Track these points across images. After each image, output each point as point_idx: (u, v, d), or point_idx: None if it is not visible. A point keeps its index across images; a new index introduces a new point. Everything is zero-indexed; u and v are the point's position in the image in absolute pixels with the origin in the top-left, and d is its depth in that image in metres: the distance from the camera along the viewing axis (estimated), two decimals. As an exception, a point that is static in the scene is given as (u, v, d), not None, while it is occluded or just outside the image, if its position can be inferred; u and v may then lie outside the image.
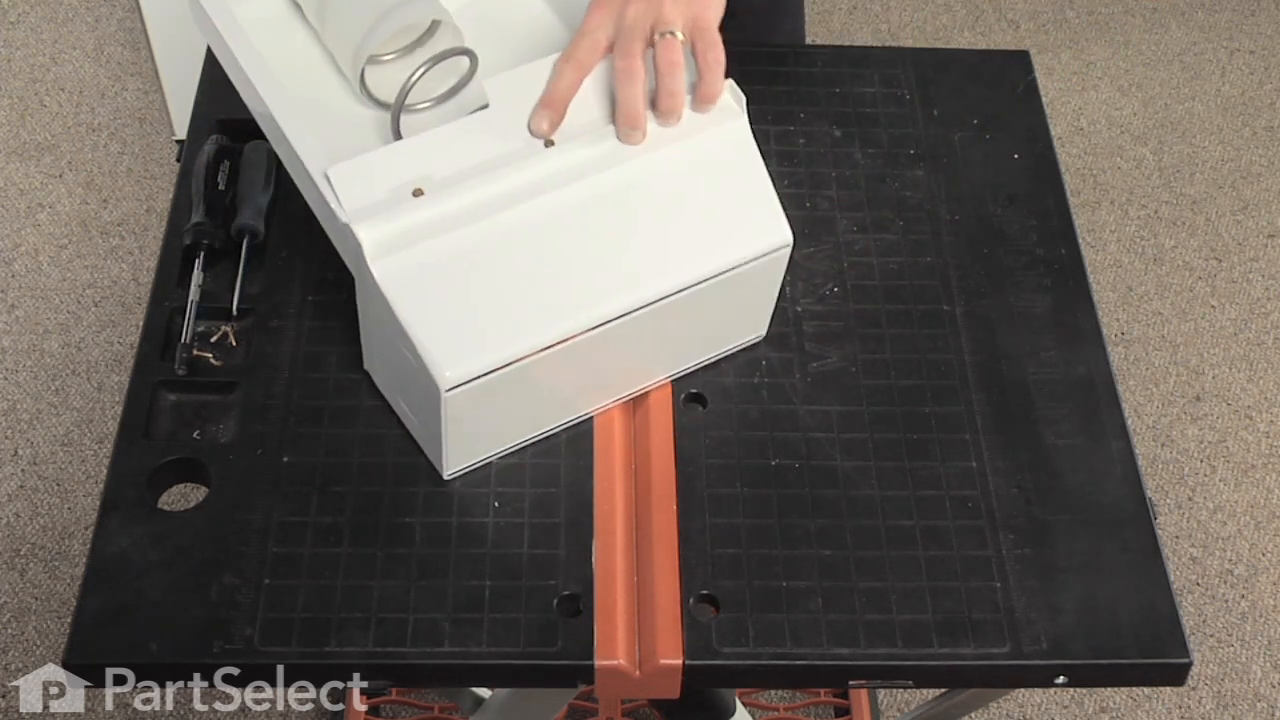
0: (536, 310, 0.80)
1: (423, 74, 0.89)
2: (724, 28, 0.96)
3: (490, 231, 0.79)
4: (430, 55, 0.91)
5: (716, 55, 0.82)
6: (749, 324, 0.93)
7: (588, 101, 0.83)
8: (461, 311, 0.79)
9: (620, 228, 0.82)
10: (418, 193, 0.78)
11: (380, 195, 0.78)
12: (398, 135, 0.90)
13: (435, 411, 0.80)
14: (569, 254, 0.81)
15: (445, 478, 0.86)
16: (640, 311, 0.82)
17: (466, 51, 0.93)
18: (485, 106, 0.82)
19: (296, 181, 0.86)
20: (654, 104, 0.82)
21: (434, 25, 0.95)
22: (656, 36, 0.81)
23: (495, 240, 0.79)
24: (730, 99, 0.85)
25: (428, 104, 0.94)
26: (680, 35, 0.81)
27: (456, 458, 0.85)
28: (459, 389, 0.78)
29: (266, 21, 0.96)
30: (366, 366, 0.90)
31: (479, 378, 0.79)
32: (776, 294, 0.91)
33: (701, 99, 0.83)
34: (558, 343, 0.80)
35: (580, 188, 0.81)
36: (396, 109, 0.89)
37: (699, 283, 0.84)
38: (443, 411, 0.80)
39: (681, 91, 0.82)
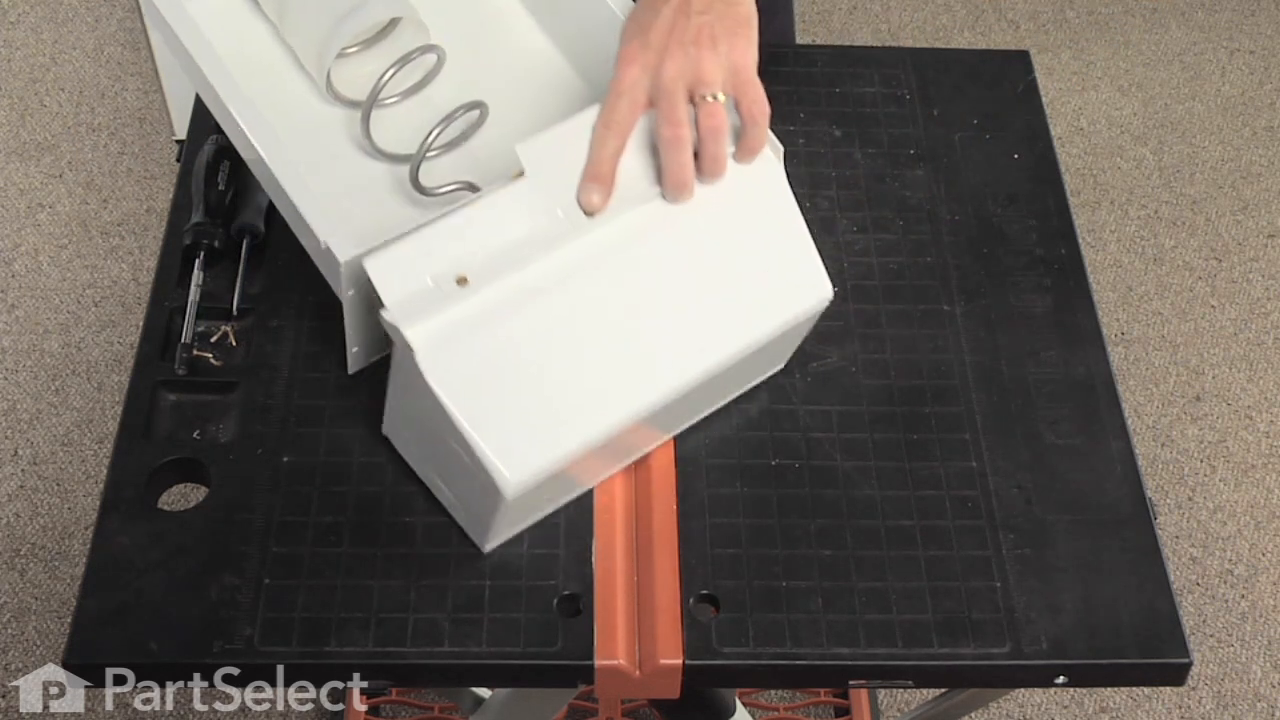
0: (591, 396, 0.77)
1: (392, 75, 0.89)
2: None
3: (539, 315, 0.76)
4: (394, 48, 0.91)
5: (761, 108, 0.79)
6: (775, 362, 0.91)
7: (626, 163, 0.79)
8: (517, 406, 0.75)
9: (668, 296, 0.80)
10: (461, 281, 0.75)
11: (422, 286, 0.74)
12: (368, 135, 0.90)
13: (487, 505, 0.78)
14: (619, 329, 0.78)
15: (484, 551, 0.84)
16: (692, 385, 0.81)
17: (434, 48, 0.93)
18: (520, 174, 0.78)
19: (264, 185, 0.86)
20: (697, 166, 0.79)
21: (395, 18, 0.95)
22: (698, 98, 0.77)
23: (545, 324, 0.77)
24: (768, 148, 0.82)
25: (394, 98, 0.94)
26: (722, 96, 0.78)
27: (499, 537, 0.84)
28: (519, 487, 0.76)
29: (220, 15, 0.96)
30: (386, 432, 0.87)
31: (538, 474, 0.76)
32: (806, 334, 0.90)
33: (744, 152, 0.80)
34: (615, 431, 0.78)
35: (626, 258, 0.79)
36: (366, 110, 0.89)
37: (748, 350, 0.82)
38: (499, 508, 0.77)
39: (725, 155, 0.79)
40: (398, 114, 0.93)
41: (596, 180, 0.78)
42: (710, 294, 0.81)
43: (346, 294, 0.82)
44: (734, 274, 0.82)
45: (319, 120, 0.93)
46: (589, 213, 0.78)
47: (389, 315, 0.74)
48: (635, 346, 0.79)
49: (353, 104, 0.92)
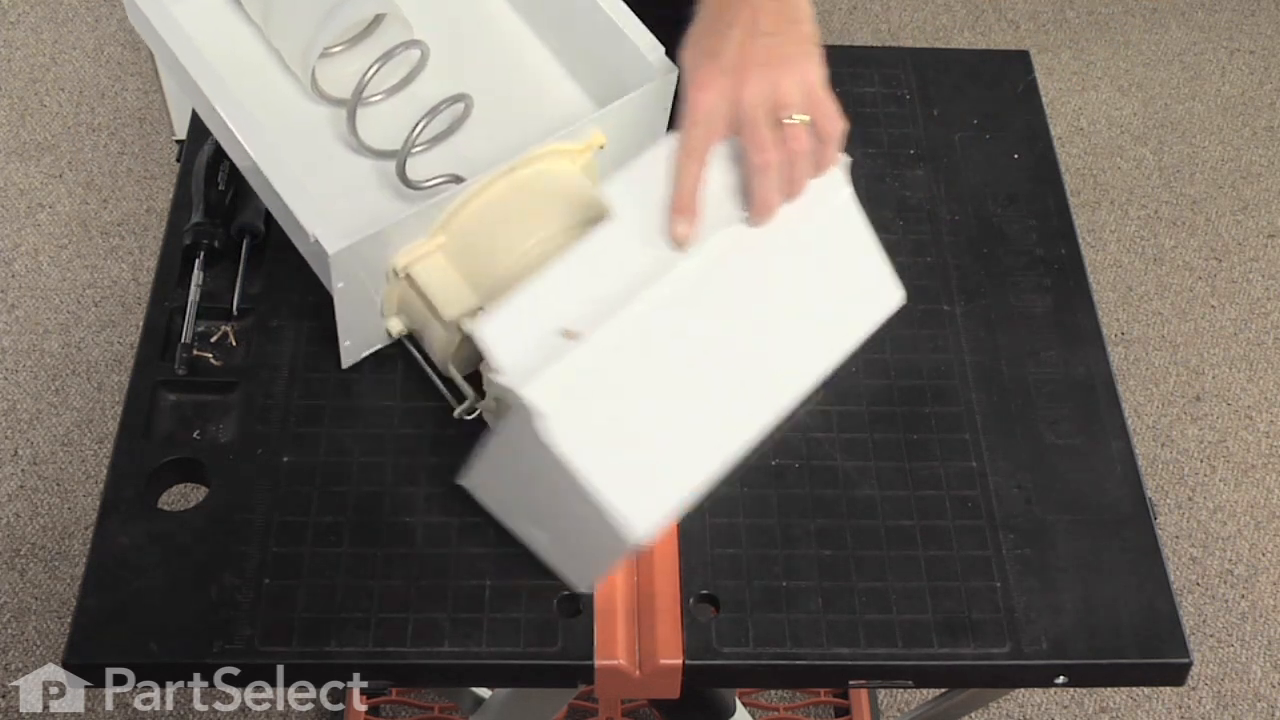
0: (702, 431, 0.78)
1: (376, 71, 0.89)
2: None
3: (643, 358, 0.76)
4: (378, 45, 0.91)
5: (836, 125, 0.78)
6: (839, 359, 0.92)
7: (704, 190, 0.79)
8: (634, 453, 0.75)
9: (758, 319, 0.81)
10: (569, 334, 0.75)
11: (533, 345, 0.74)
12: (354, 132, 0.90)
13: (604, 551, 0.78)
14: (719, 360, 0.79)
15: (582, 592, 0.83)
16: (792, 406, 0.82)
17: (417, 43, 0.93)
18: (605, 219, 0.78)
19: (253, 184, 0.86)
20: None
21: (380, 15, 0.95)
22: (779, 121, 0.77)
23: (649, 366, 0.77)
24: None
25: (380, 95, 0.94)
26: (802, 117, 0.77)
27: (603, 576, 0.84)
28: (646, 536, 0.75)
29: (204, 16, 0.96)
30: (466, 484, 0.84)
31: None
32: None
33: (818, 168, 0.80)
34: (728, 464, 0.79)
35: (715, 287, 0.79)
36: (352, 106, 0.90)
37: (837, 363, 0.84)
38: (620, 554, 0.78)
39: (807, 178, 0.79)
40: (384, 111, 0.94)
41: (684, 212, 0.78)
42: (796, 311, 0.82)
43: (336, 286, 0.82)
44: (814, 288, 0.83)
45: (306, 119, 0.93)
46: (679, 245, 0.78)
47: (504, 379, 0.73)
48: (736, 376, 0.79)
49: (339, 102, 0.93)
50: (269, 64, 0.96)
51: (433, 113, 0.88)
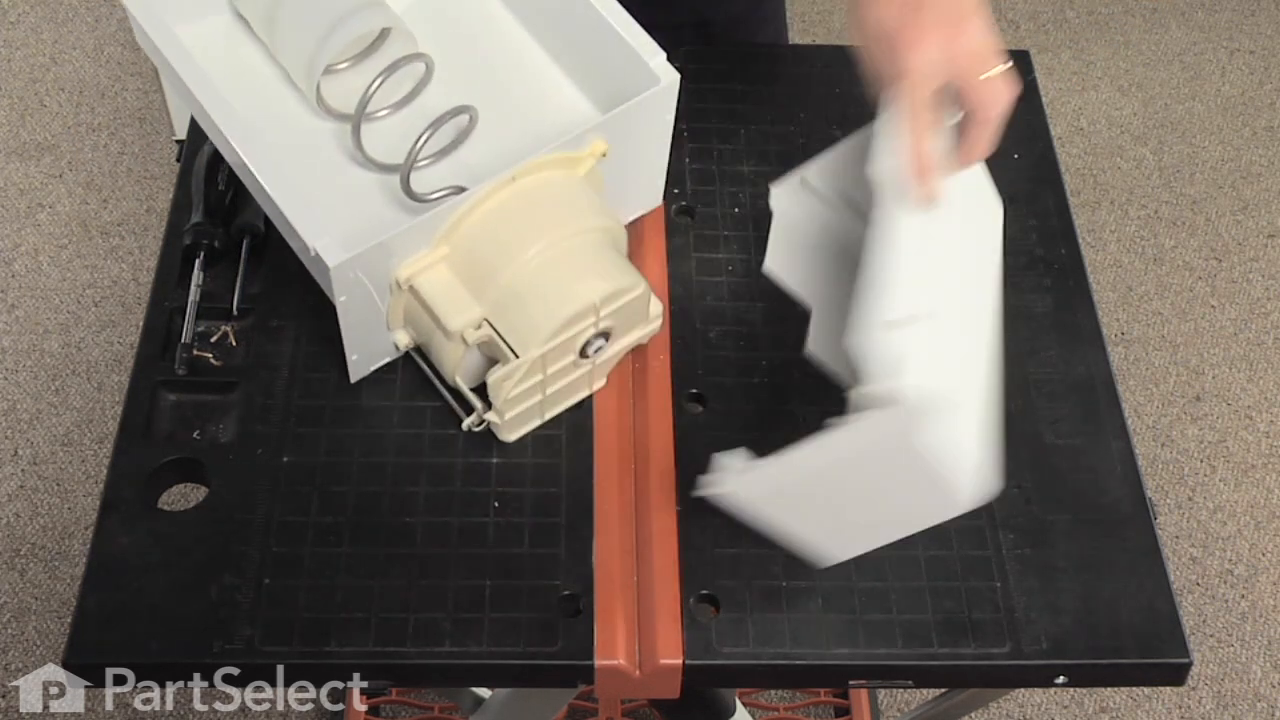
0: (968, 380, 0.80)
1: (380, 84, 0.89)
2: (709, 39, 0.95)
3: (940, 325, 0.78)
4: (384, 61, 0.91)
5: (1011, 78, 0.78)
6: None
7: (895, 163, 0.79)
8: (956, 421, 0.76)
9: (960, 266, 0.85)
10: (903, 322, 0.75)
11: (880, 345, 0.73)
12: (359, 146, 0.90)
13: (908, 526, 0.82)
14: (953, 310, 0.81)
15: (835, 561, 0.84)
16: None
17: (421, 57, 0.93)
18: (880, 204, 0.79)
19: (258, 199, 0.86)
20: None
21: (385, 31, 0.95)
22: (980, 76, 0.77)
23: (941, 331, 0.78)
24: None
25: (386, 110, 0.94)
26: (1005, 67, 0.77)
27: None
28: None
29: (213, 38, 0.96)
30: (714, 493, 0.80)
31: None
32: None
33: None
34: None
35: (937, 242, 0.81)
36: (356, 120, 0.90)
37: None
38: (928, 524, 0.81)
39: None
40: (390, 125, 0.94)
41: (928, 172, 0.77)
42: (968, 246, 0.85)
43: (339, 299, 0.82)
44: (970, 224, 0.86)
45: (311, 134, 0.93)
46: (928, 204, 0.78)
47: (880, 387, 0.71)
48: (960, 320, 0.81)
49: (345, 117, 0.93)
50: (275, 81, 0.96)
51: (436, 124, 0.88)
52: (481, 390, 0.86)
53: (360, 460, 0.87)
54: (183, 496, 0.88)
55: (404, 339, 0.88)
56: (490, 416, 0.86)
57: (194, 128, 1.04)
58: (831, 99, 1.09)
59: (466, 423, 0.87)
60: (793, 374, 0.93)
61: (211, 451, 0.87)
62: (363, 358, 0.89)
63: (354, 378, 0.90)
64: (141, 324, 0.93)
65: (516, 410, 0.86)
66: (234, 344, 0.93)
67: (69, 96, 2.11)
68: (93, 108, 2.10)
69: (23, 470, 1.70)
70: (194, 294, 0.94)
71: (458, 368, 0.86)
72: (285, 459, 0.87)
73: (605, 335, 0.86)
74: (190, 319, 0.92)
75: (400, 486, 0.86)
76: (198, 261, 0.95)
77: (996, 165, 1.06)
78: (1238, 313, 1.96)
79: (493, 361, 0.85)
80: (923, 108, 0.76)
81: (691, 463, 0.88)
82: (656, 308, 0.90)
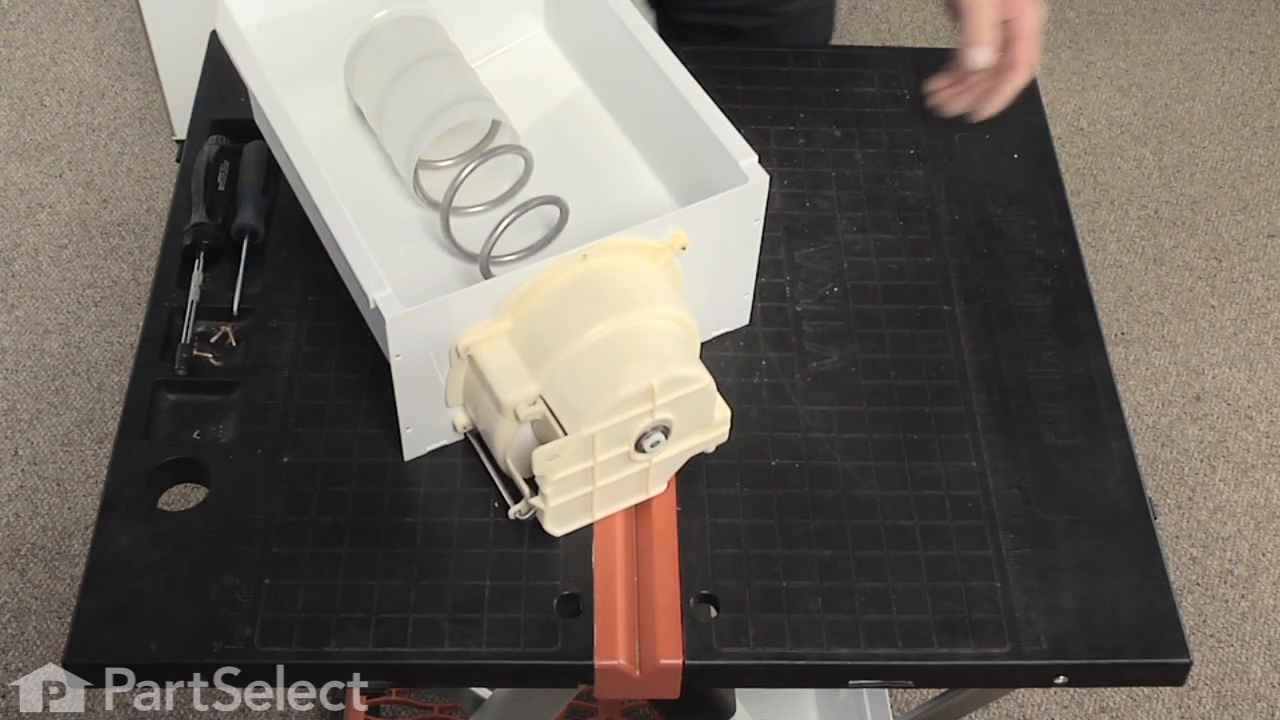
0: None
1: (471, 170, 0.88)
2: (761, 36, 1.00)
3: None
4: (488, 159, 0.89)
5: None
6: None
7: None
8: None
9: None
10: None
11: None
12: (448, 234, 0.89)
13: None
14: None
15: None
16: None
17: (519, 150, 0.91)
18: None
19: (335, 263, 0.87)
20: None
21: (494, 126, 0.94)
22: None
23: None
24: None
25: (481, 207, 0.93)
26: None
27: None
28: None
29: (326, 124, 0.97)
30: None
31: None
32: None
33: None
34: None
35: None
36: (445, 208, 0.89)
37: None
38: None
39: None
40: (487, 221, 0.91)
41: (983, 43, 0.94)
42: None
43: (394, 357, 0.79)
44: None
45: (404, 219, 0.94)
46: (978, 65, 0.95)
47: None
48: None
49: (438, 205, 0.91)
50: (378, 169, 0.96)
51: (522, 210, 0.86)
52: (531, 482, 0.83)
53: (360, 460, 0.87)
54: (183, 496, 0.88)
55: (462, 419, 0.85)
56: (535, 501, 0.81)
57: (194, 127, 1.04)
58: (831, 99, 1.09)
59: (514, 510, 0.83)
60: (793, 373, 0.93)
61: (211, 451, 0.87)
62: (419, 434, 0.86)
63: (408, 455, 0.87)
64: (141, 324, 0.93)
65: (564, 498, 0.82)
66: (234, 344, 0.93)
67: (69, 96, 2.11)
68: (93, 108, 2.10)
69: (23, 470, 1.70)
70: (194, 294, 0.94)
71: (509, 448, 0.82)
72: (285, 459, 0.87)
73: (665, 431, 0.82)
74: (190, 319, 0.92)
75: (400, 486, 0.86)
76: (197, 261, 0.95)
77: (997, 165, 1.07)
78: (1238, 313, 1.96)
79: None
80: (988, 25, 0.94)
81: (691, 463, 0.88)
82: (723, 413, 0.85)
